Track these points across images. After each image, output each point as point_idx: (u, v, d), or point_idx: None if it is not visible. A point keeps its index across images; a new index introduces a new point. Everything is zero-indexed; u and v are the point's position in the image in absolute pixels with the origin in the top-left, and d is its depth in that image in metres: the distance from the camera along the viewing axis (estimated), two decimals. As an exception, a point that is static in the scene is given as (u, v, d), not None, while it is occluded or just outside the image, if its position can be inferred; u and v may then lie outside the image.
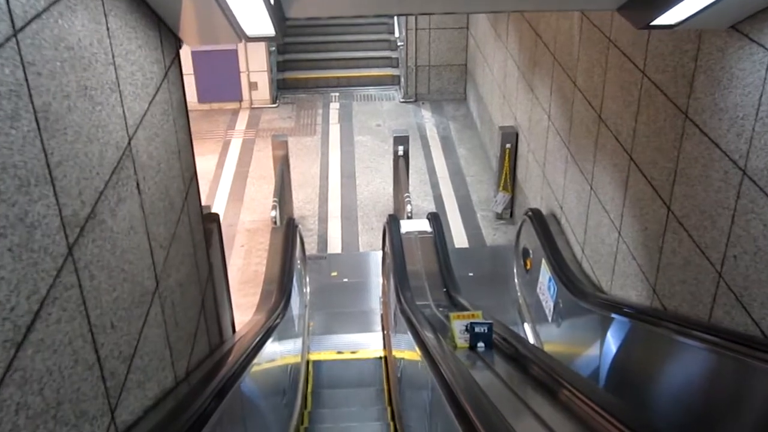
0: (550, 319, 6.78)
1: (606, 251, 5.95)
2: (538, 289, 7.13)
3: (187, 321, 3.47)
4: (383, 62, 13.92)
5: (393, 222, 7.20)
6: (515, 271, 7.95)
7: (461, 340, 4.10)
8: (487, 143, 11.05)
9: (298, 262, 7.53)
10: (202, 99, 12.79)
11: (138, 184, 2.64)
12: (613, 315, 5.50)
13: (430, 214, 7.42)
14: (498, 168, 9.27)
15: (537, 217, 7.27)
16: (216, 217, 4.74)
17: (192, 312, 3.63)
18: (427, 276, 6.51)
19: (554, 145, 7.42)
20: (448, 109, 12.74)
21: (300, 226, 8.91)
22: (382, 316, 7.75)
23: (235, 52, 12.49)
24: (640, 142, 5.01)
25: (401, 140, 9.00)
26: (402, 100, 13.06)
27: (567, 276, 6.35)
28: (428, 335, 4.45)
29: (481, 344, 4.05)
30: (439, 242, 6.94)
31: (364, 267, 8.63)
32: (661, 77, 4.56)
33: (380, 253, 8.31)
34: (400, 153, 9.00)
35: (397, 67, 13.77)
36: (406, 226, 7.23)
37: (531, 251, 7.38)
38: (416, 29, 12.49)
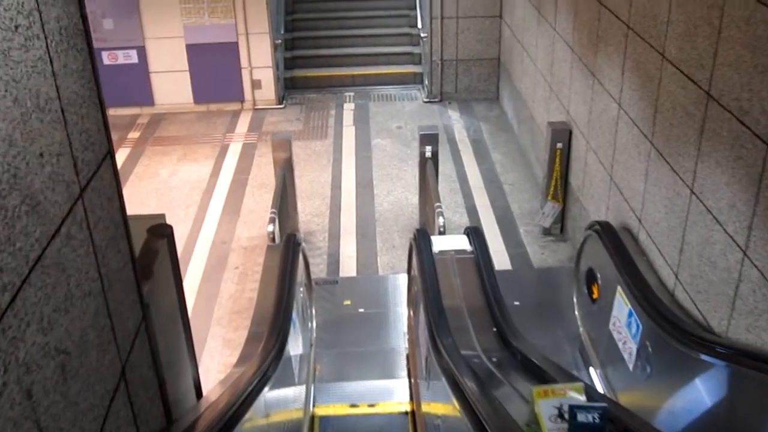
0: (630, 365, 5.13)
1: (719, 278, 4.31)
2: (610, 325, 5.48)
3: (75, 417, 1.90)
4: (404, 59, 12.35)
5: (422, 238, 5.59)
6: (575, 300, 6.31)
7: (554, 431, 2.47)
8: (527, 146, 9.43)
9: (301, 289, 5.93)
10: (198, 99, 11.26)
11: None
12: (743, 369, 3.90)
13: (469, 228, 5.79)
14: (546, 173, 7.64)
15: (607, 232, 5.63)
16: (166, 230, 3.14)
17: (92, 396, 2.06)
18: (469, 312, 4.89)
19: (628, 140, 5.79)
20: (478, 109, 11.13)
21: (304, 243, 7.34)
22: (407, 357, 6.13)
23: (236, 45, 10.96)
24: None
25: (429, 139, 7.39)
26: (426, 99, 11.47)
27: (659, 310, 4.71)
28: (487, 409, 2.85)
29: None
30: (483, 265, 5.32)
31: (384, 294, 7.01)
32: None
33: (404, 276, 6.70)
34: (428, 154, 7.40)
35: (419, 63, 12.20)
36: (439, 243, 5.61)
37: (599, 275, 5.74)
38: (442, 18, 10.91)
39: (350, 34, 12.55)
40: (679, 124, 4.77)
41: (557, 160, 7.51)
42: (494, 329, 4.67)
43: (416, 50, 12.30)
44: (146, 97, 11.17)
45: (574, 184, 7.38)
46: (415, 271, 5.81)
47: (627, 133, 5.80)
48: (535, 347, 4.24)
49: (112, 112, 11.16)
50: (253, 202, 8.65)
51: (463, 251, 5.58)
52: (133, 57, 10.92)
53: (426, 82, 11.62)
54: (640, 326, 4.93)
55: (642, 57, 5.42)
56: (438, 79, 11.32)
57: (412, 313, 6.20)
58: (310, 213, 8.43)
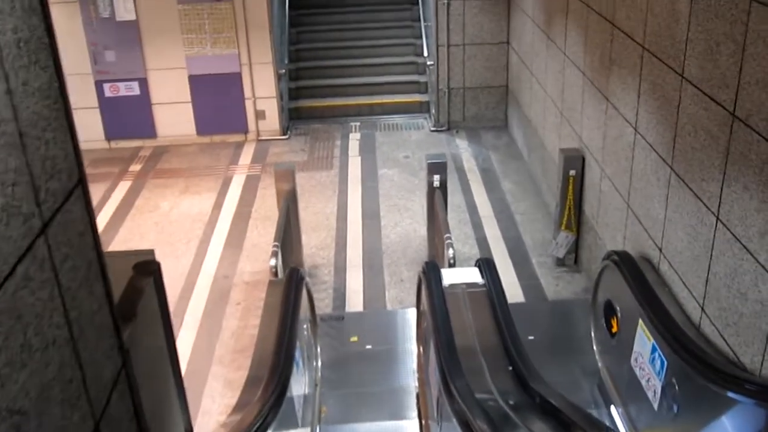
0: (655, 403, 4.82)
1: (751, 311, 4.02)
2: (632, 361, 5.18)
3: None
4: (410, 87, 12.15)
5: (431, 271, 5.32)
6: (593, 334, 6.01)
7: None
8: (538, 174, 9.17)
9: (305, 326, 5.66)
10: (201, 131, 11.06)
11: None
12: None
13: (480, 260, 5.52)
14: (559, 201, 7.37)
15: (626, 263, 5.35)
16: (152, 267, 2.88)
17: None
18: (483, 350, 4.59)
19: (646, 166, 5.52)
20: (487, 137, 10.90)
21: (308, 278, 7.08)
22: (417, 396, 5.82)
23: (239, 76, 10.78)
24: None
25: (437, 168, 7.14)
26: (433, 128, 11.25)
27: (686, 345, 4.42)
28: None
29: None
30: (497, 299, 5.03)
31: (392, 330, 6.71)
32: None
33: (413, 311, 6.42)
34: (437, 184, 7.15)
35: (426, 92, 12.00)
36: (449, 276, 5.34)
37: (618, 308, 5.45)
38: (448, 45, 10.71)
39: (355, 63, 12.38)
40: (702, 147, 4.51)
41: (570, 188, 7.25)
42: (510, 368, 4.37)
43: (422, 79, 12.11)
44: (148, 130, 10.98)
45: (588, 213, 7.10)
46: (424, 305, 5.54)
47: (644, 159, 5.54)
48: (555, 389, 3.95)
49: (113, 145, 10.99)
50: (256, 235, 8.39)
51: (475, 284, 5.31)
52: (134, 89, 10.75)
53: (433, 110, 11.41)
54: (665, 362, 4.63)
55: (659, 78, 5.17)
56: (445, 108, 11.10)
57: (422, 349, 5.92)
58: (315, 246, 8.17)
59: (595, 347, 5.94)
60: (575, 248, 7.53)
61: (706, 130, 4.44)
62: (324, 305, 7.11)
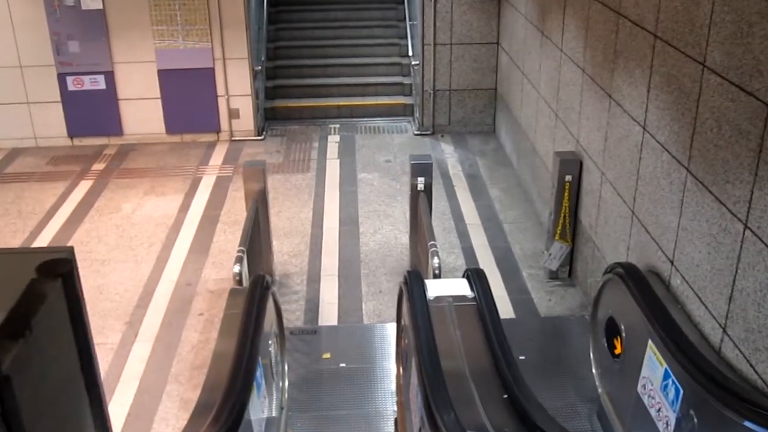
0: (666, 438, 4.23)
1: (787, 335, 3.43)
2: (639, 388, 4.58)
3: None
4: (394, 89, 11.55)
5: (414, 282, 4.70)
6: (592, 355, 5.40)
7: None
8: (528, 181, 8.59)
9: (271, 341, 5.02)
10: (170, 129, 10.40)
11: None
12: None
13: (469, 270, 4.90)
14: (553, 209, 6.78)
15: (632, 276, 4.75)
16: (63, 268, 2.24)
17: None
18: (473, 374, 3.97)
19: (656, 168, 4.94)
20: (473, 142, 10.31)
21: (276, 287, 6.48)
22: (396, 421, 5.19)
23: (212, 71, 10.13)
24: None
25: (422, 170, 6.53)
26: (417, 132, 10.65)
27: (706, 372, 3.82)
28: None
29: None
30: (489, 315, 4.41)
31: (369, 346, 6.07)
32: None
33: (393, 326, 5.80)
34: (421, 187, 6.53)
35: (410, 95, 11.41)
36: (434, 288, 4.72)
37: (622, 327, 4.85)
38: (435, 44, 10.13)
39: (336, 63, 11.77)
40: (728, 144, 3.93)
41: (566, 194, 6.67)
42: (505, 396, 3.75)
43: (407, 81, 11.52)
44: (114, 127, 10.30)
45: (586, 222, 6.52)
46: (405, 320, 4.92)
47: (655, 160, 4.95)
48: (560, 423, 3.33)
49: (77, 142, 10.30)
50: (224, 240, 7.74)
51: (463, 298, 4.69)
52: (100, 83, 10.07)
53: (417, 114, 10.82)
54: (681, 391, 4.04)
55: (675, 69, 4.60)
56: (430, 111, 10.51)
57: (401, 369, 5.29)
58: (287, 253, 7.52)
59: (594, 370, 5.34)
60: (570, 260, 6.94)
61: (733, 124, 3.86)
62: (295, 318, 6.47)
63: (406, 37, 11.55)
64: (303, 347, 6.05)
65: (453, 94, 10.43)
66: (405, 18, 11.85)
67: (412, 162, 6.55)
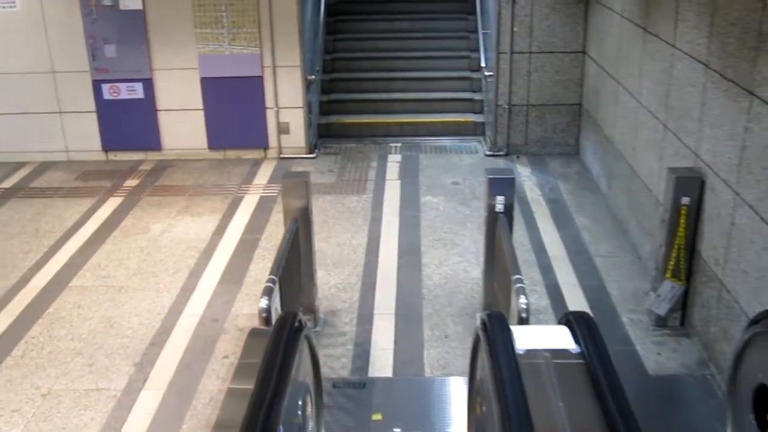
0: None
1: None
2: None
3: None
4: (463, 106, 10.34)
5: (497, 327, 3.42)
6: (730, 431, 4.02)
7: None
8: (623, 208, 7.24)
9: (302, 398, 3.78)
10: (213, 144, 9.35)
11: None
12: None
13: (573, 315, 3.59)
14: (665, 240, 5.43)
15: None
16: None
17: None
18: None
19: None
20: (553, 165, 9.00)
21: (313, 326, 5.29)
22: None
23: (260, 80, 9.07)
24: None
25: (502, 186, 5.26)
26: (488, 153, 9.39)
27: None
28: None
29: None
30: (605, 379, 3.11)
31: (431, 406, 4.78)
32: None
33: (463, 381, 4.52)
34: (500, 208, 5.26)
35: (480, 112, 10.18)
36: (524, 337, 3.44)
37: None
38: (511, 52, 8.90)
39: (400, 76, 10.63)
40: None
41: (682, 221, 5.31)
42: None
43: (477, 97, 10.30)
44: (152, 141, 9.30)
45: (709, 256, 5.15)
46: (482, 377, 3.64)
47: (832, 171, 3.61)
48: None
49: (111, 156, 9.33)
50: (261, 268, 6.56)
51: (565, 353, 3.38)
52: (138, 91, 9.10)
53: (489, 132, 9.57)
54: None
55: None
56: (504, 129, 9.25)
57: (475, 443, 3.99)
58: (334, 285, 6.31)
59: (735, 454, 3.96)
60: (683, 304, 5.57)
61: None
62: (340, 366, 5.22)
63: (478, 50, 10.35)
64: (347, 404, 4.80)
65: (531, 109, 9.16)
66: (476, 29, 10.67)
67: (490, 177, 5.28)
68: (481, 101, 10.20)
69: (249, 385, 3.20)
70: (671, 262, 5.43)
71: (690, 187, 5.28)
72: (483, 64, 9.75)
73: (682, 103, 5.68)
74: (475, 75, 10.48)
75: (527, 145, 9.32)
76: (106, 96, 9.14)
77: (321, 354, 4.86)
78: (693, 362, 5.23)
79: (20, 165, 9.31)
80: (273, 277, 4.41)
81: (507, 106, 9.14)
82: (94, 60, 9.02)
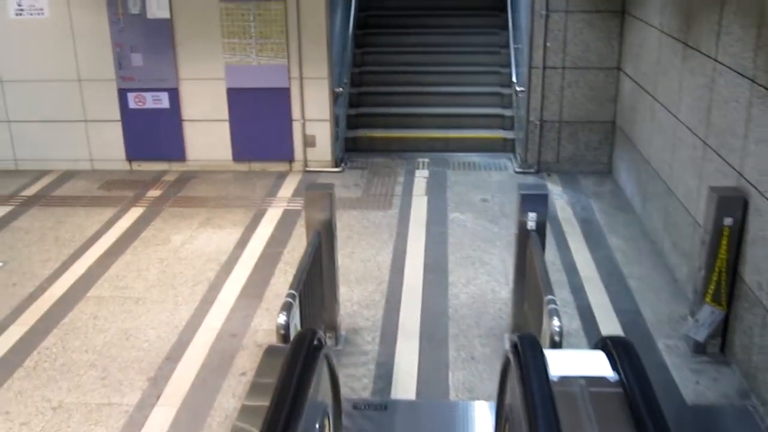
0: None
1: None
2: None
3: None
4: (493, 122, 10.14)
5: (529, 351, 3.20)
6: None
7: None
8: (658, 229, 6.97)
9: (319, 420, 3.58)
10: (238, 156, 9.21)
11: None
12: None
13: (610, 339, 3.35)
14: (704, 263, 5.17)
15: None
16: None
17: None
18: None
19: None
20: (586, 183, 8.75)
21: (333, 345, 5.09)
22: None
23: (287, 92, 8.92)
24: None
25: (535, 202, 5.03)
26: (519, 170, 9.16)
27: None
28: None
29: None
30: (645, 409, 2.88)
31: (456, 431, 4.56)
32: None
33: (490, 407, 4.28)
34: (532, 225, 5.03)
35: (511, 129, 9.97)
36: (558, 362, 3.20)
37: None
38: (544, 68, 8.69)
39: (429, 91, 10.46)
40: None
41: (723, 242, 5.05)
42: None
43: (508, 113, 10.10)
44: (177, 151, 9.18)
45: (752, 280, 4.88)
46: (512, 403, 3.41)
47: None
48: None
49: (135, 166, 9.22)
50: (283, 283, 6.38)
51: (603, 381, 3.14)
52: (163, 101, 8.99)
53: (519, 149, 9.35)
54: None
55: None
56: (535, 145, 9.02)
57: (501, 474, 3.75)
58: (357, 302, 6.10)
59: (783, 494, 3.69)
60: (723, 330, 5.29)
61: None
62: (361, 387, 5.00)
63: (509, 65, 10.16)
64: (368, 427, 4.58)
65: (563, 126, 8.92)
66: (508, 44, 10.49)
67: (522, 192, 5.06)
68: (512, 117, 9.99)
69: (264, 403, 3.01)
70: (711, 286, 5.17)
71: (733, 207, 5.02)
72: (514, 79, 9.55)
73: (724, 120, 5.43)
74: (505, 90, 10.28)
75: (558, 162, 9.07)
76: (132, 105, 9.04)
77: (341, 373, 4.66)
78: (734, 392, 4.95)
79: (44, 173, 9.24)
80: (293, 291, 4.21)
81: (538, 122, 8.91)
82: (121, 69, 8.93)
